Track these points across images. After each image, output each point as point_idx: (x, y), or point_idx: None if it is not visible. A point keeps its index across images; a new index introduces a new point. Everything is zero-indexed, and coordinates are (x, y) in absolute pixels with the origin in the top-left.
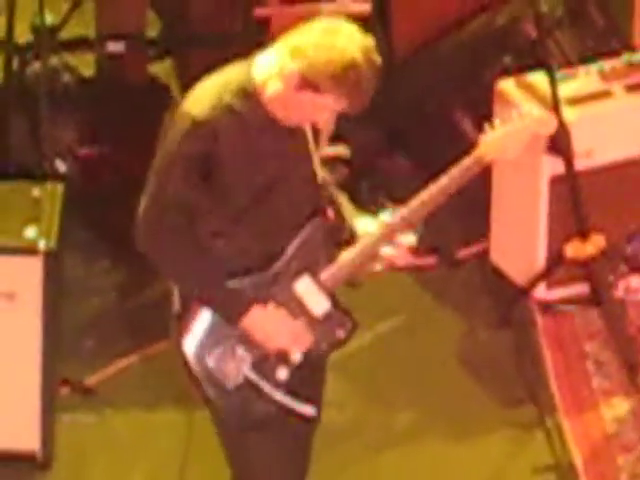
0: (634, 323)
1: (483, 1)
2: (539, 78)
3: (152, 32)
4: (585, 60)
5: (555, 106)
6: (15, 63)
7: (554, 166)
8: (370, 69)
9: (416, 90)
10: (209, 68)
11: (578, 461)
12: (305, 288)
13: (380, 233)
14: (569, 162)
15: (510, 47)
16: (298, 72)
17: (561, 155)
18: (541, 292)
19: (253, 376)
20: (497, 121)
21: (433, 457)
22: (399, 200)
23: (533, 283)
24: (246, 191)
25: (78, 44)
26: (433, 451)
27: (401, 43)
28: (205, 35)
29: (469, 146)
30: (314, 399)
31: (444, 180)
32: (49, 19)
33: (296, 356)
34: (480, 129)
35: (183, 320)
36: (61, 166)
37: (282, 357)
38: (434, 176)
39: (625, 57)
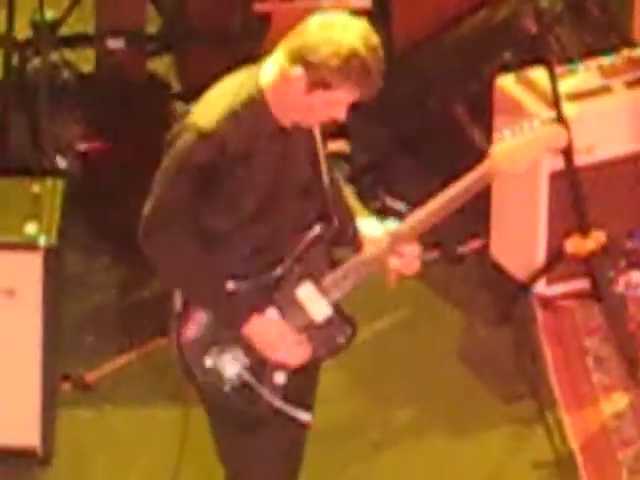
0: (634, 319)
1: None
2: (539, 74)
3: (152, 28)
4: (586, 56)
5: (555, 102)
6: (15, 59)
7: (554, 162)
8: (371, 53)
9: (416, 85)
10: (209, 64)
11: (578, 456)
12: (307, 294)
13: (386, 244)
14: (569, 158)
15: (510, 42)
16: (303, 75)
17: (561, 151)
18: (541, 288)
19: (250, 378)
20: (507, 132)
21: (433, 453)
22: (399, 195)
23: (533, 279)
24: (253, 199)
25: (78, 40)
26: (433, 447)
27: (401, 38)
28: (205, 31)
29: (469, 145)
30: (308, 403)
31: (452, 192)
32: (49, 15)
33: None
34: (480, 128)
35: (183, 319)
36: (61, 162)
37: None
38: (435, 172)
39: (625, 53)
